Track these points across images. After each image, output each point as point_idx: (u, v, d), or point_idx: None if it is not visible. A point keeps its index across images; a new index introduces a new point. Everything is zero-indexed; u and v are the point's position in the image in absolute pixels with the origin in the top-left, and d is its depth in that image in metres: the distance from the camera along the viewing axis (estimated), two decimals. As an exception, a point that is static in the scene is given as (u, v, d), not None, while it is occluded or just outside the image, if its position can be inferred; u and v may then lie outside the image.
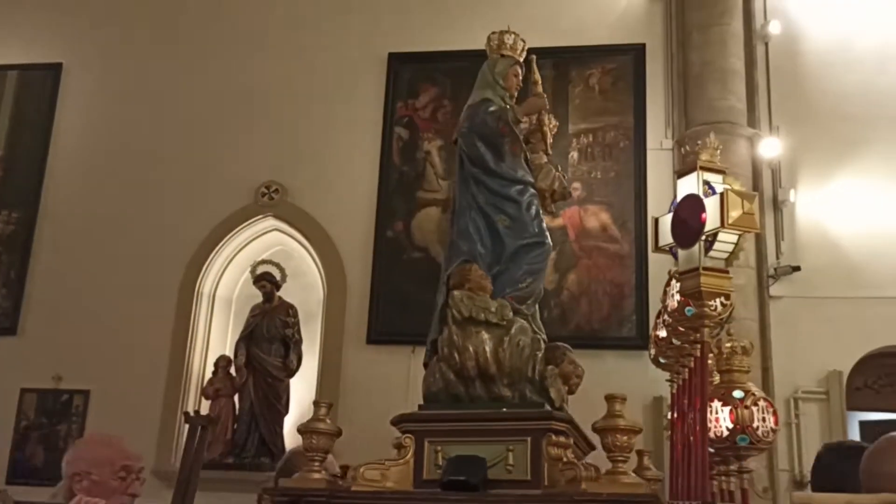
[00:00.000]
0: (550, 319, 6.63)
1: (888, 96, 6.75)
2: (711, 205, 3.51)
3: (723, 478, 3.64)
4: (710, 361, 3.68)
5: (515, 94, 3.57)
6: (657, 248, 4.04)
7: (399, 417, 3.05)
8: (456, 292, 3.00)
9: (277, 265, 7.18)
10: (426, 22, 7.63)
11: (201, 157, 7.64)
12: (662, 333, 3.97)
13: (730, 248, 3.57)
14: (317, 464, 2.84)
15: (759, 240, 6.43)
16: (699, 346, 3.58)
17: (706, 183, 3.58)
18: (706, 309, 3.43)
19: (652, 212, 5.84)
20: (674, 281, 3.79)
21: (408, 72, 7.58)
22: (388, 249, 7.18)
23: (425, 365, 3.16)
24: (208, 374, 7.18)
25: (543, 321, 6.77)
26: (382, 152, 7.39)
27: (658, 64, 7.23)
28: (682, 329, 3.68)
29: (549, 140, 3.52)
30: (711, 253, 3.54)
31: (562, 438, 2.83)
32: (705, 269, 3.47)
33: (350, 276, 7.20)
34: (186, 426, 5.08)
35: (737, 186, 3.70)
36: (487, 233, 3.21)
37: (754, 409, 3.43)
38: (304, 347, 7.06)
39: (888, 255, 6.40)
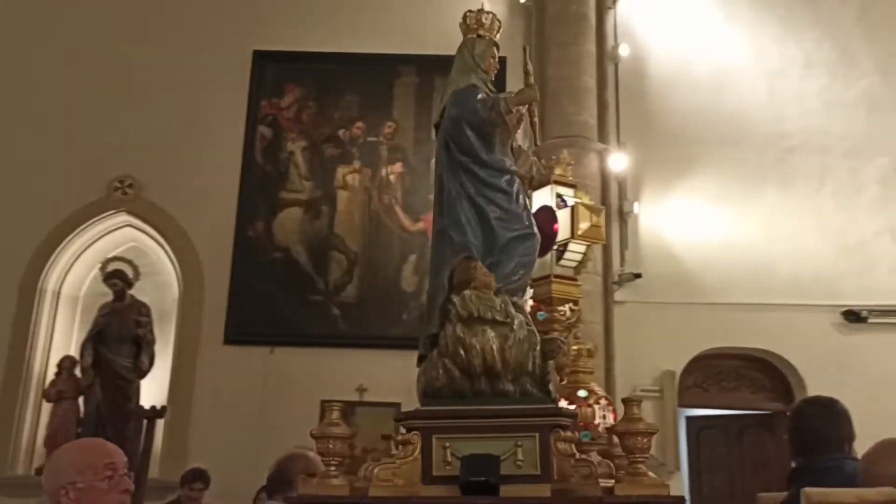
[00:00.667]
0: (410, 321, 6.79)
1: (721, 121, 7.37)
2: (563, 217, 3.77)
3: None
4: (558, 363, 3.93)
5: (493, 76, 3.56)
6: (513, 256, 4.26)
7: (404, 414, 3.00)
8: (466, 291, 2.98)
9: (130, 262, 6.91)
10: (293, 22, 7.58)
11: (51, 146, 7.24)
12: (516, 336, 4.19)
13: (579, 257, 3.85)
14: (333, 468, 2.79)
15: (605, 248, 6.84)
16: (549, 348, 3.82)
17: (559, 196, 3.84)
18: (556, 314, 3.67)
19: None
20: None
21: (273, 70, 7.51)
22: (249, 249, 7.10)
23: (420, 358, 3.08)
24: (51, 376, 6.82)
25: (403, 323, 6.93)
26: (245, 151, 7.29)
27: (518, 77, 7.47)
28: (534, 332, 3.90)
29: (538, 131, 3.56)
30: (562, 262, 3.81)
31: (567, 433, 2.86)
32: (556, 276, 3.72)
33: (208, 275, 7.05)
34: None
35: (587, 199, 3.99)
36: (478, 223, 3.17)
37: (596, 407, 3.66)
38: (157, 347, 6.84)
39: (716, 266, 7.00)
